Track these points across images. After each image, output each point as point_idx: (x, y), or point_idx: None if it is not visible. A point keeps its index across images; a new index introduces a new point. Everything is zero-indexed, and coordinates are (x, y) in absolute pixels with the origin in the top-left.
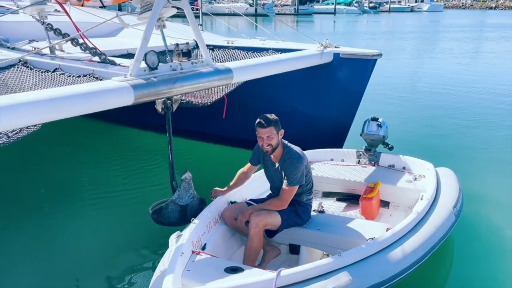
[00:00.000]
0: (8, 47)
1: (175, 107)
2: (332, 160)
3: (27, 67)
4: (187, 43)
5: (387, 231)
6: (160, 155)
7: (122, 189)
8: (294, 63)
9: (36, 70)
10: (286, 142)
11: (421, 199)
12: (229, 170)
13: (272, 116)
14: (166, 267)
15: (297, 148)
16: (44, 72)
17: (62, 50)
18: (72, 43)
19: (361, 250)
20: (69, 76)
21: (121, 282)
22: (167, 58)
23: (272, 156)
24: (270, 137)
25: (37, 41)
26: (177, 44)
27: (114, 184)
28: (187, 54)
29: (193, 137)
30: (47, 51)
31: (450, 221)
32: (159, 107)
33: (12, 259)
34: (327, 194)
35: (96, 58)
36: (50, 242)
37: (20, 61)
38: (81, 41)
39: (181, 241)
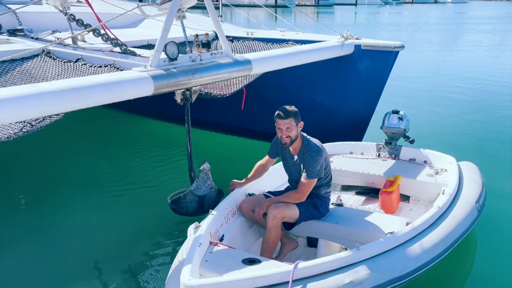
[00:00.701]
0: (32, 37)
1: (194, 98)
2: (351, 153)
3: (50, 57)
4: (207, 34)
5: (406, 225)
6: (179, 146)
7: (141, 179)
8: (314, 54)
9: (58, 60)
10: (305, 134)
11: (443, 194)
12: (247, 162)
13: (292, 108)
14: (184, 257)
15: (316, 141)
16: (67, 62)
17: (84, 41)
18: (93, 33)
19: (380, 244)
20: (91, 66)
21: (139, 271)
22: (186, 49)
23: (291, 148)
24: (289, 129)
25: (60, 32)
26: (196, 35)
27: (134, 173)
28: (206, 45)
29: (211, 128)
30: (69, 41)
31: (472, 217)
32: (178, 98)
33: (32, 245)
34: (346, 188)
35: (117, 49)
36: (70, 230)
37: (43, 51)
38: (102, 31)
39: (199, 231)
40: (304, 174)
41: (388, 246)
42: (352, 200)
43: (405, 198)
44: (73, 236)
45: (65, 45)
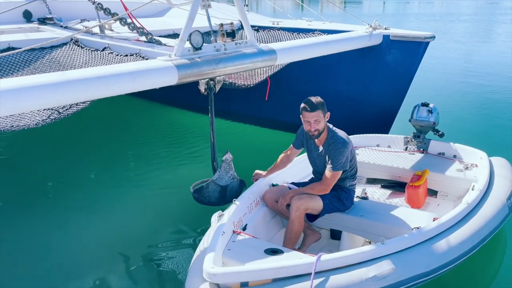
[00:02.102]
0: (61, 26)
1: (218, 88)
2: (378, 146)
3: (78, 45)
4: (232, 23)
5: (433, 221)
6: (203, 135)
7: (165, 168)
8: (341, 45)
9: (86, 49)
10: (331, 126)
11: (472, 189)
12: (270, 153)
13: (318, 99)
14: (208, 245)
15: (342, 133)
16: (94, 50)
17: (111, 30)
18: (120, 22)
19: (406, 239)
20: (117, 55)
21: (163, 260)
22: (211, 39)
23: (316, 139)
24: (317, 121)
25: (89, 21)
26: (221, 24)
27: (158, 162)
28: (231, 34)
29: (235, 118)
30: (97, 30)
31: (503, 214)
32: (202, 87)
33: (68, 227)
34: (371, 181)
35: (143, 38)
36: (93, 219)
37: (71, 39)
38: (129, 20)
39: (222, 220)
40: (329, 166)
41: (414, 241)
42: (377, 194)
43: (432, 193)
44: (96, 224)
45: (93, 34)
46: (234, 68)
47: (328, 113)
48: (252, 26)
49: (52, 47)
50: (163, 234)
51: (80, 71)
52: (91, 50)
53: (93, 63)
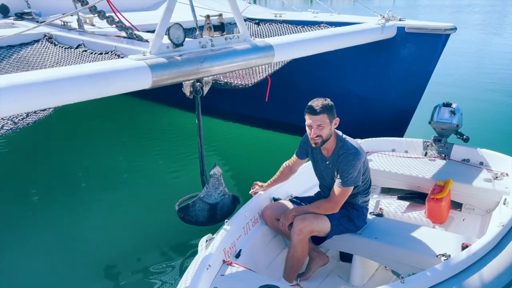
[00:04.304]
0: (37, 21)
1: (206, 90)
2: (393, 150)
3: (52, 42)
4: (220, 15)
5: (463, 247)
6: (211, 138)
7: (157, 176)
8: (349, 38)
9: (59, 46)
10: (340, 133)
11: (504, 204)
12: (273, 160)
13: (326, 101)
14: (188, 284)
15: (353, 141)
16: (68, 48)
17: (92, 25)
18: (98, 16)
19: (431, 275)
20: (91, 53)
21: None
22: (196, 33)
23: (322, 149)
24: (320, 127)
25: (72, 15)
26: (208, 16)
27: (151, 168)
28: (220, 28)
29: (233, 119)
30: (75, 25)
31: None
32: (186, 90)
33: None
34: (386, 191)
35: (124, 33)
36: (71, 229)
37: (45, 36)
38: (109, 14)
39: (210, 248)
40: (338, 181)
41: (441, 278)
42: (393, 206)
43: (456, 205)
44: (74, 237)
45: (70, 29)
46: (223, 68)
47: (337, 118)
48: (253, 19)
49: (22, 45)
50: (145, 258)
51: (28, 74)
52: (65, 48)
53: (66, 62)
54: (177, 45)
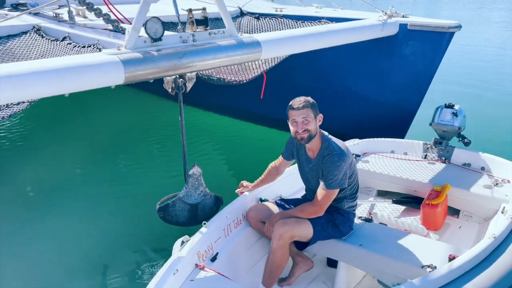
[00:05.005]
0: (30, 12)
1: (189, 86)
2: (392, 152)
3: (40, 34)
4: (204, 9)
5: (450, 259)
6: (204, 133)
7: (143, 173)
8: (345, 36)
9: (46, 38)
10: (326, 133)
11: (502, 213)
12: (265, 156)
13: (308, 98)
14: None
15: (339, 142)
16: (54, 40)
17: (84, 17)
18: (87, 8)
19: (413, 287)
20: (75, 46)
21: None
22: (178, 28)
23: (308, 149)
24: (306, 121)
25: (59, 8)
26: (190, 10)
27: (137, 165)
28: (203, 22)
29: (229, 114)
30: (66, 17)
31: None
32: (168, 86)
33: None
34: (382, 193)
35: (110, 26)
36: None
37: (34, 27)
38: (97, 6)
39: (182, 251)
40: (322, 183)
41: None
42: (388, 210)
43: (454, 212)
44: (55, 235)
45: (60, 21)
46: (205, 64)
47: (321, 115)
48: (252, 13)
49: (10, 36)
50: (123, 259)
51: None
52: (51, 40)
53: (51, 55)
54: (155, 39)
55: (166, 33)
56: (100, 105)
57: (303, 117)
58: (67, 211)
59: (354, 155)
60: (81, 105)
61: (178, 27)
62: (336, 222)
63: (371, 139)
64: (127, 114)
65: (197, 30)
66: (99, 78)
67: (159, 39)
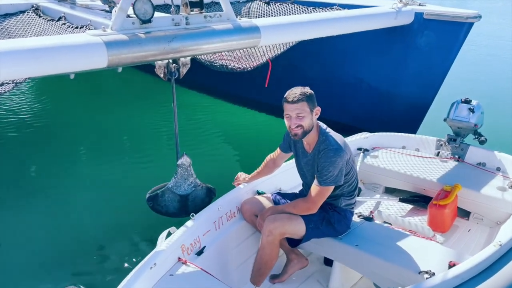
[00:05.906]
0: None
1: (183, 72)
2: (403, 148)
3: (37, 14)
4: None
5: (450, 266)
6: (200, 120)
7: (135, 162)
8: (356, 23)
9: (43, 18)
10: (324, 126)
11: None
12: (268, 146)
13: (306, 89)
14: (123, 285)
15: (337, 137)
16: (50, 20)
17: None
18: None
19: None
20: (68, 27)
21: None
22: (171, 9)
23: (305, 143)
24: (300, 116)
25: None
26: None
27: (129, 154)
28: (198, 4)
29: (233, 101)
30: None
31: None
32: (160, 71)
33: None
34: (390, 191)
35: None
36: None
37: (32, 7)
38: None
39: (165, 244)
40: (316, 179)
41: None
42: (394, 209)
43: (464, 213)
44: (36, 226)
45: (60, 1)
46: (198, 49)
47: (318, 108)
48: None
49: (7, 15)
50: (111, 248)
51: None
52: (48, 20)
53: (46, 34)
54: (144, 21)
55: (158, 14)
56: (92, 90)
57: (297, 112)
58: (56, 200)
59: (362, 150)
60: (72, 91)
61: (171, 9)
62: (331, 220)
63: (382, 133)
64: (120, 99)
65: (192, 13)
66: (79, 60)
67: (149, 20)
